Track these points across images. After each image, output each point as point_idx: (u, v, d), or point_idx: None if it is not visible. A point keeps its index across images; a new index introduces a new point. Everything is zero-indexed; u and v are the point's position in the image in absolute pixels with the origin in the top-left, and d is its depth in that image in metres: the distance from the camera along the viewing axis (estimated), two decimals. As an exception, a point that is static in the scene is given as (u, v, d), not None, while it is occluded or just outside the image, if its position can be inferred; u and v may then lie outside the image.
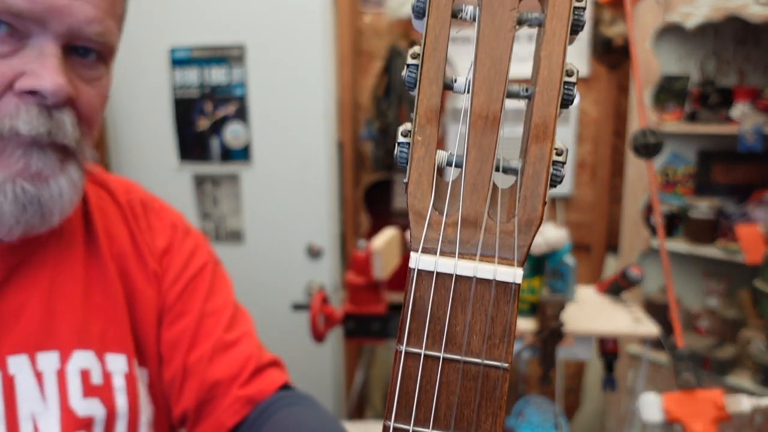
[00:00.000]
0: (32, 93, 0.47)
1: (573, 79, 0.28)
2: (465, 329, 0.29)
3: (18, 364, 0.53)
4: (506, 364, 0.29)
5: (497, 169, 0.29)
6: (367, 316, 1.27)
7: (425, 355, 0.29)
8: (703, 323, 1.90)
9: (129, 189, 0.69)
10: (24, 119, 0.47)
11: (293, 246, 1.99)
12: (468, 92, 0.29)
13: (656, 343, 1.29)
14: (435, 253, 0.29)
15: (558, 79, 0.28)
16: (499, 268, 0.29)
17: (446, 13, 0.29)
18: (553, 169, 0.29)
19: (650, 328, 1.23)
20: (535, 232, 0.29)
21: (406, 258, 1.59)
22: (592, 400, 2.18)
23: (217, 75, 1.91)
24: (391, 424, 0.30)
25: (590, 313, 1.31)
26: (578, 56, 2.12)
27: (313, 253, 1.98)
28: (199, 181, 2.01)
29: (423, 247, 0.29)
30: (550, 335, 1.17)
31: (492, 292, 0.29)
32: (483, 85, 0.29)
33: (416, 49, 0.29)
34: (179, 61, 1.91)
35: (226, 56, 1.89)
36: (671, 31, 1.84)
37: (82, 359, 0.56)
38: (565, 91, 0.29)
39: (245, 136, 1.94)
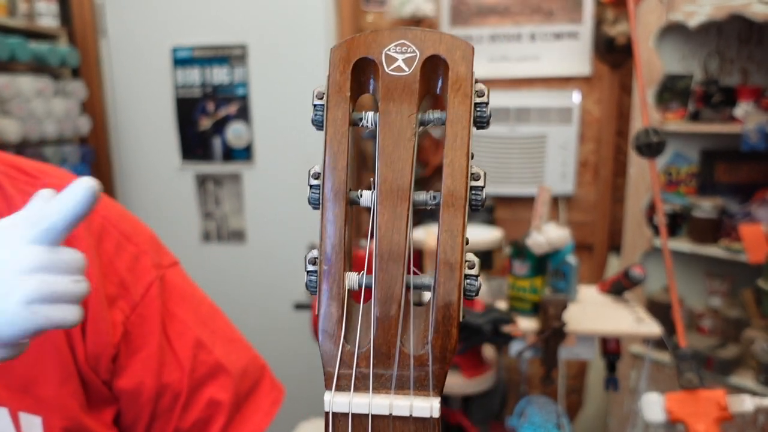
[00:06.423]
0: None
1: (480, 183, 0.27)
2: None
3: None
4: None
5: (408, 288, 0.28)
6: (368, 316, 1.27)
7: None
8: (705, 323, 1.89)
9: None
10: None
11: (295, 245, 1.99)
12: (373, 209, 0.28)
13: (659, 343, 1.29)
14: (349, 390, 0.28)
15: (463, 187, 0.27)
16: (415, 402, 0.27)
17: (344, 126, 0.28)
18: (472, 194, 0.27)
19: (653, 327, 1.23)
20: (451, 359, 0.28)
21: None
22: (595, 401, 2.18)
23: (219, 74, 1.91)
24: None
25: (592, 312, 1.31)
26: (581, 55, 2.11)
27: (315, 253, 1.98)
28: (201, 181, 2.01)
29: (336, 385, 0.28)
30: (552, 335, 1.17)
31: (411, 428, 0.28)
32: (387, 201, 0.27)
33: (316, 168, 0.28)
34: (181, 60, 1.91)
35: (228, 56, 1.89)
36: (674, 30, 1.83)
37: None
38: (473, 196, 0.27)
39: (247, 136, 1.94)
